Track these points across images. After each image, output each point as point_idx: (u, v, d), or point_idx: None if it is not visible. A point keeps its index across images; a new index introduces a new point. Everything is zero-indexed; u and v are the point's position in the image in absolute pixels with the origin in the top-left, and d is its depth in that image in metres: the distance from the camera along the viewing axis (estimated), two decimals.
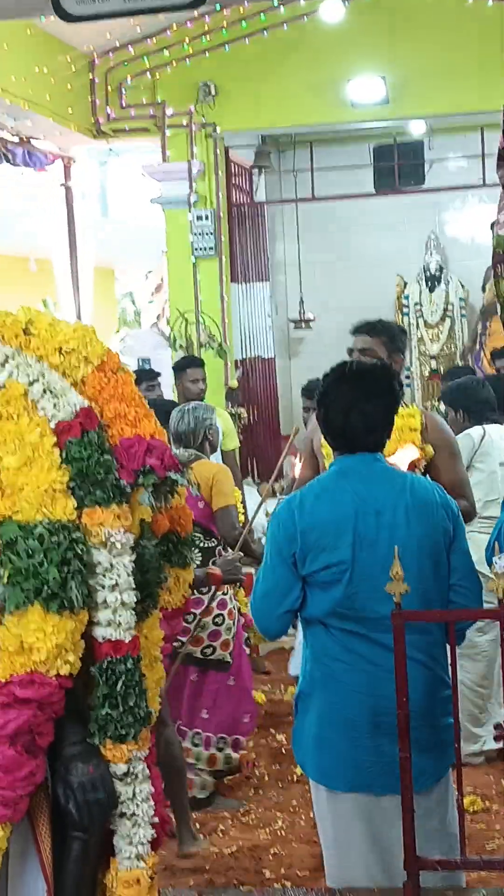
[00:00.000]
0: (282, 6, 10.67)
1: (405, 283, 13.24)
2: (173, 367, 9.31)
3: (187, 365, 8.95)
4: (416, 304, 13.19)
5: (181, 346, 11.25)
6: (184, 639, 5.80)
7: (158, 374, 9.58)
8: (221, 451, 7.90)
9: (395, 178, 12.63)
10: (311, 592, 3.62)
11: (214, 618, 5.94)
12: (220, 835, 5.70)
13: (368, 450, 3.69)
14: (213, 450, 6.38)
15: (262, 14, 10.82)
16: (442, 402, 7.41)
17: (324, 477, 3.74)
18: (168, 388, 10.19)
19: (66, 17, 5.26)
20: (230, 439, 8.80)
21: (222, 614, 5.98)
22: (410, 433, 4.76)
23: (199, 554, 5.78)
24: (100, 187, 14.04)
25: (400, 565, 3.19)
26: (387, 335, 5.04)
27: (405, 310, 13.21)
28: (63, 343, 2.90)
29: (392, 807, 3.45)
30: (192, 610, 5.77)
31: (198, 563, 5.74)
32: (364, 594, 3.51)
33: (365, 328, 5.10)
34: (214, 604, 5.92)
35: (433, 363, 13.05)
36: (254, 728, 6.34)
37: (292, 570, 3.60)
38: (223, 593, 5.99)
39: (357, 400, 3.66)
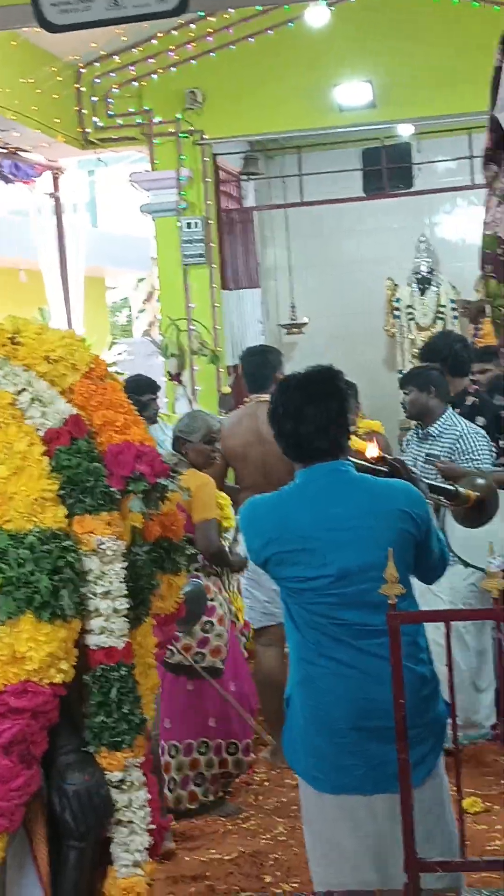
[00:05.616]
0: (267, 11, 10.66)
1: (396, 286, 13.25)
2: None
3: None
4: (407, 306, 13.19)
5: (173, 354, 11.23)
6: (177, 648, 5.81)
7: (158, 388, 9.30)
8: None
9: (384, 181, 12.60)
10: (284, 596, 3.64)
11: (203, 625, 5.93)
12: (221, 841, 5.69)
13: (326, 456, 3.65)
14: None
15: (247, 20, 10.81)
16: None
17: (286, 490, 3.71)
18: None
19: (50, 27, 5.23)
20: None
21: (212, 621, 5.96)
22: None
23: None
24: (89, 197, 14.01)
25: (395, 568, 3.21)
26: None
27: (396, 313, 13.22)
28: (50, 351, 2.91)
29: (383, 807, 3.46)
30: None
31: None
32: (334, 604, 3.51)
33: None
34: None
35: None
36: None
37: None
38: (211, 599, 5.97)
39: (303, 405, 3.64)
